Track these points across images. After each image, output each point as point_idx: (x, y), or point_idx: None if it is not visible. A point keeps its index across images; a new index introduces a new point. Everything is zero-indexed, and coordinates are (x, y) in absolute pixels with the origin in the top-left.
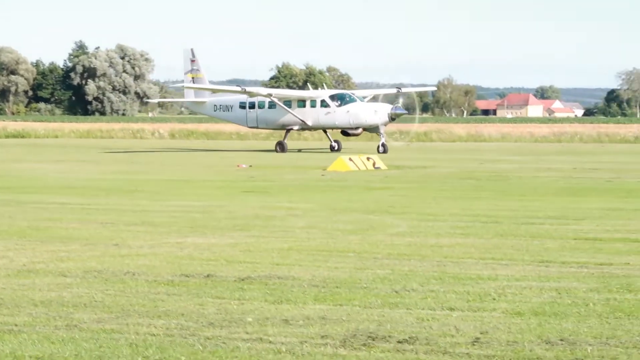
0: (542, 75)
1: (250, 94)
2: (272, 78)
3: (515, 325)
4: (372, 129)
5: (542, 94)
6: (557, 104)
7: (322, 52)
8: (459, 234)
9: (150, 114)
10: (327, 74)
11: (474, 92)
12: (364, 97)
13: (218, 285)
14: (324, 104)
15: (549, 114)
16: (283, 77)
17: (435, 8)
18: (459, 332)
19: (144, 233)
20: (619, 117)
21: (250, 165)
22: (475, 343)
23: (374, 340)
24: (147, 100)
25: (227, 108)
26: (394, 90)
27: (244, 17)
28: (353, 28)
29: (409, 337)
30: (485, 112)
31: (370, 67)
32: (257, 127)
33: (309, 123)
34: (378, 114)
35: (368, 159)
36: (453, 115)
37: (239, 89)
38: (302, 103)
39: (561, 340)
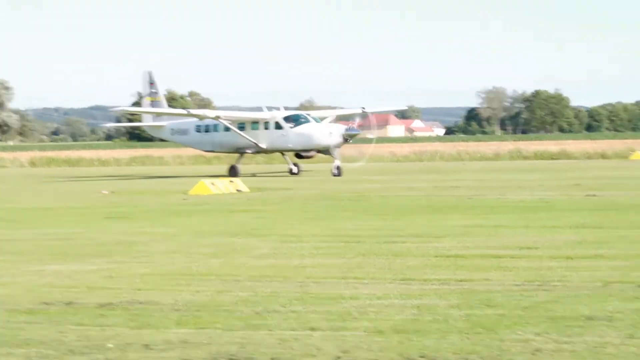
0: (402, 96)
1: (198, 117)
2: (134, 104)
3: (377, 343)
4: (326, 151)
5: (403, 113)
6: (417, 123)
7: (184, 76)
8: (321, 254)
9: (10, 142)
10: (189, 98)
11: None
12: (323, 118)
13: (79, 312)
14: (278, 125)
15: (410, 134)
16: None
17: (293, 32)
18: (321, 352)
19: (3, 262)
20: (479, 135)
21: (113, 192)
22: None
23: None
24: (106, 124)
25: (184, 132)
26: (359, 110)
27: (101, 43)
28: (214, 53)
29: (271, 359)
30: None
31: (232, 92)
32: (213, 151)
33: (263, 146)
34: (332, 135)
35: (230, 182)
36: None
37: (183, 111)
38: (255, 125)
39: (422, 357)
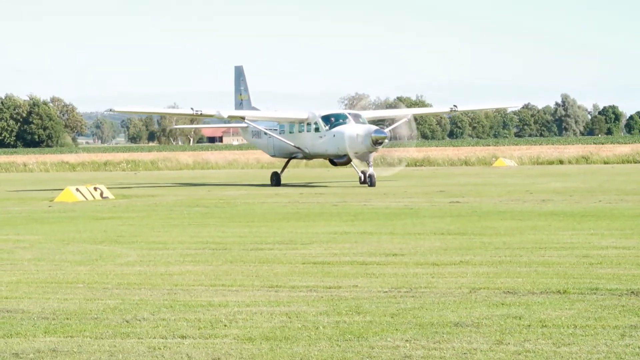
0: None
1: (211, 117)
2: None
3: (247, 350)
4: (360, 157)
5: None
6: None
7: (45, 82)
8: (188, 261)
9: None
10: (51, 104)
11: (200, 120)
12: (383, 120)
13: None
14: (317, 126)
15: None
16: (7, 109)
17: (155, 40)
18: None
19: None
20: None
21: None
22: None
23: None
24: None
25: (258, 134)
26: (446, 109)
27: None
28: (75, 58)
29: None
30: (212, 139)
31: (93, 97)
32: (275, 156)
33: (306, 150)
34: (359, 138)
35: (95, 189)
36: (180, 143)
37: (190, 111)
38: (292, 126)
39: None
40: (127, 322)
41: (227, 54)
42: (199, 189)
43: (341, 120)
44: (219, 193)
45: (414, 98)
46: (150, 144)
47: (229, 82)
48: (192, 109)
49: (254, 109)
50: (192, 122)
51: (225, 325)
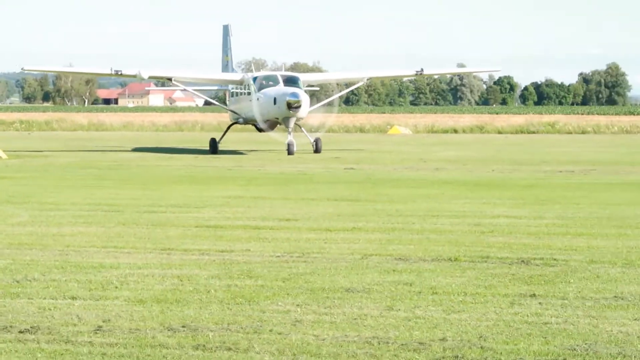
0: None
1: (132, 77)
2: None
3: (138, 312)
4: (281, 122)
5: (163, 83)
6: (178, 94)
7: None
8: (81, 222)
9: None
10: None
11: (95, 81)
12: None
13: None
14: (249, 90)
15: (171, 103)
16: None
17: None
18: (81, 321)
19: None
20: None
21: None
22: (97, 331)
23: None
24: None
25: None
26: (364, 75)
27: None
28: None
29: (31, 327)
30: (107, 101)
31: None
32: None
33: (243, 116)
34: (277, 102)
35: None
36: (75, 104)
37: (109, 71)
38: (231, 90)
39: (183, 327)
40: (17, 282)
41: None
42: (93, 151)
43: (271, 83)
44: (113, 155)
45: (310, 64)
46: (45, 104)
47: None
48: (111, 68)
49: (234, 71)
50: (87, 83)
51: (116, 287)
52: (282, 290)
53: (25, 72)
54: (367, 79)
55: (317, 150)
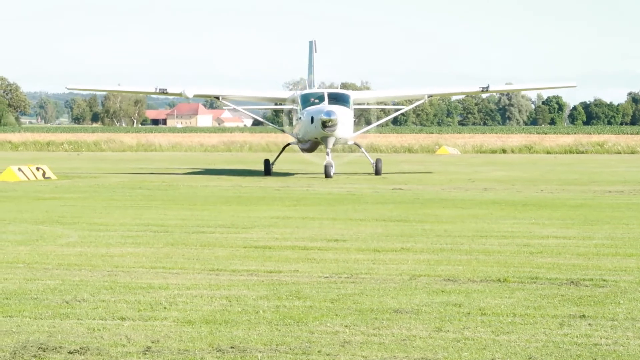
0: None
1: (177, 95)
2: None
3: (187, 333)
4: (321, 142)
5: (212, 104)
6: (226, 114)
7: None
8: (130, 243)
9: None
10: None
11: (144, 102)
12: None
13: None
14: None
15: (219, 124)
16: None
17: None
18: (130, 342)
19: None
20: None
21: None
22: (146, 352)
23: (44, 351)
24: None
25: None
26: (423, 92)
27: None
28: (21, 32)
29: (80, 348)
30: (155, 121)
31: (38, 75)
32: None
33: (296, 136)
34: (315, 121)
35: (38, 169)
36: (123, 124)
37: (153, 90)
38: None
39: (232, 347)
40: (66, 302)
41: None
42: (142, 171)
43: (316, 101)
44: (161, 176)
45: (358, 84)
46: (94, 124)
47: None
48: (156, 87)
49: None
50: (135, 104)
51: (165, 308)
52: (331, 311)
53: (70, 91)
54: (428, 96)
55: (377, 172)
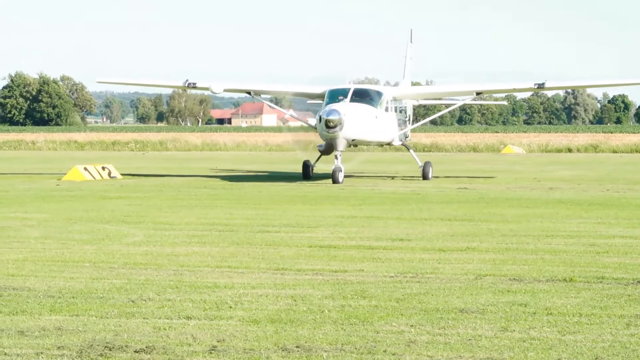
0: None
1: (204, 89)
2: (5, 87)
3: (252, 332)
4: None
5: (277, 102)
6: (291, 113)
7: (55, 60)
8: (195, 242)
9: None
10: (61, 82)
11: (209, 101)
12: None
13: None
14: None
15: (283, 123)
16: (16, 87)
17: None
18: (196, 341)
19: None
20: None
21: None
22: (212, 351)
23: (110, 350)
24: None
25: None
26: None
27: None
28: (87, 36)
29: (146, 347)
30: (220, 121)
31: (104, 75)
32: None
33: None
34: (321, 121)
35: (103, 168)
36: (188, 124)
37: (181, 84)
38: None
39: (297, 347)
40: (132, 302)
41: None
42: (207, 170)
43: (340, 97)
44: (228, 175)
45: (423, 83)
46: (159, 124)
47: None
48: (186, 81)
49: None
50: (200, 103)
51: (230, 307)
52: (396, 311)
53: (136, 91)
54: (477, 93)
55: (424, 176)
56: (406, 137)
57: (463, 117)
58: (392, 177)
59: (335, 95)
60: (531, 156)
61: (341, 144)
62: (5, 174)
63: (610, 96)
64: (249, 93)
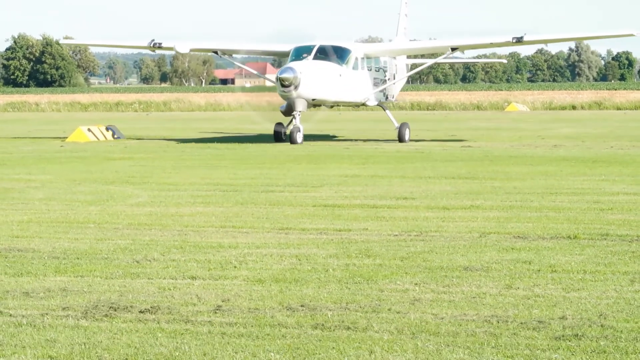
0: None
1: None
2: (8, 49)
3: (257, 292)
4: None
5: (280, 62)
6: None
7: (58, 21)
8: (199, 202)
9: None
10: (64, 42)
11: (212, 62)
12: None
13: None
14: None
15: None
16: (19, 48)
17: None
18: (201, 301)
19: None
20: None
21: None
22: (217, 311)
23: (115, 310)
24: None
25: None
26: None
27: None
28: None
29: (151, 307)
30: (224, 81)
31: (107, 36)
32: None
33: None
34: (277, 80)
35: (107, 129)
36: (192, 84)
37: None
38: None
39: (302, 306)
40: (137, 262)
41: None
42: (211, 132)
43: (305, 55)
44: (230, 135)
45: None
46: (163, 84)
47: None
48: (152, 41)
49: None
50: (204, 63)
51: (235, 267)
52: (400, 269)
53: (139, 51)
54: (452, 49)
55: (400, 138)
56: (387, 98)
57: (467, 75)
58: (364, 141)
59: (300, 53)
60: (535, 114)
61: (299, 104)
62: (9, 136)
63: (614, 53)
64: (216, 52)
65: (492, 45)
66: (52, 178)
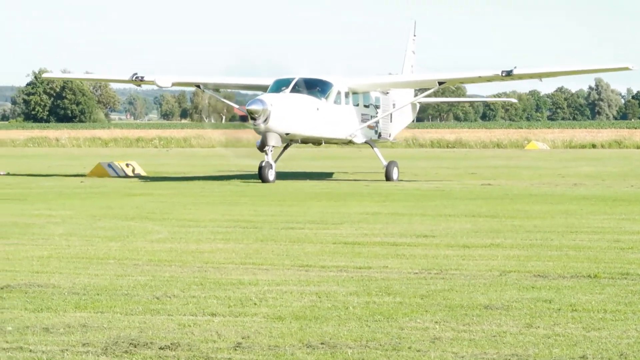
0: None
1: (150, 84)
2: (28, 84)
3: (277, 329)
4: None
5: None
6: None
7: (79, 57)
8: (219, 239)
9: None
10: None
11: (232, 98)
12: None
13: None
14: None
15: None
16: (40, 84)
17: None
18: (221, 338)
19: None
20: None
21: (8, 173)
22: (237, 348)
23: (135, 347)
24: None
25: None
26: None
27: None
28: (110, 34)
29: (171, 344)
30: (244, 118)
31: (127, 72)
32: None
33: None
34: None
35: (127, 165)
36: (212, 121)
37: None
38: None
39: (322, 343)
40: (157, 298)
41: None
42: (231, 167)
43: (283, 89)
44: (252, 172)
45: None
46: (183, 121)
47: None
48: (134, 75)
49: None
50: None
51: (255, 304)
52: (421, 307)
53: (160, 87)
54: (439, 83)
55: (388, 177)
56: (381, 136)
57: (487, 113)
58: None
59: (280, 86)
60: (555, 152)
61: (272, 138)
62: (30, 171)
63: (634, 91)
64: (198, 86)
65: (480, 79)
66: (72, 214)
